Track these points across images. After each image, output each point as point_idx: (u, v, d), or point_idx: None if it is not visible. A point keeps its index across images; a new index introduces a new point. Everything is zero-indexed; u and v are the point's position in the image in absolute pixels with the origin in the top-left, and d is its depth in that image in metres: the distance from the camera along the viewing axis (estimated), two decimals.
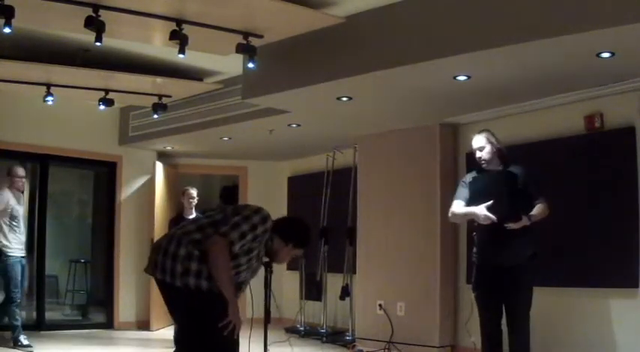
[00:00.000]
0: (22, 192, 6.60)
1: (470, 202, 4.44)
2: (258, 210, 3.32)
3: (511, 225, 4.26)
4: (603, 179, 5.13)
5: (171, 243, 3.22)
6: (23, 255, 6.43)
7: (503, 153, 4.51)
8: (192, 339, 3.24)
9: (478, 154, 4.51)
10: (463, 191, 4.55)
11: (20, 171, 6.54)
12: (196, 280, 3.15)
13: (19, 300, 6.27)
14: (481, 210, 4.31)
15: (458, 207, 4.53)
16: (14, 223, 6.33)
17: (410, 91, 5.43)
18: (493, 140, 4.49)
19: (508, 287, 4.33)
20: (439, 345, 6.25)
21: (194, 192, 6.62)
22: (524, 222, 4.27)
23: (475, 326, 4.76)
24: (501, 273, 4.34)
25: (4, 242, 6.23)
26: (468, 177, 4.59)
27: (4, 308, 6.26)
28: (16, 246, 6.31)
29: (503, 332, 4.42)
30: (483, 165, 4.51)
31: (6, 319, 6.26)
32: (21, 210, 6.47)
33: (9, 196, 6.36)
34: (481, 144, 4.50)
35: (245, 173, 9.30)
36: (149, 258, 3.32)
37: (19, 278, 6.29)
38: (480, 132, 4.58)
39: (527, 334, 4.31)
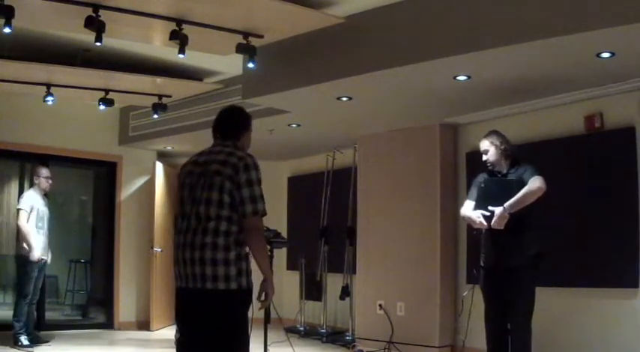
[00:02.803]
0: (46, 193, 6.56)
1: (479, 205, 4.46)
2: (248, 167, 3.25)
3: (494, 225, 4.29)
4: (603, 179, 5.12)
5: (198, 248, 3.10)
6: (44, 258, 6.36)
7: (509, 153, 4.52)
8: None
9: (484, 157, 4.56)
10: (473, 192, 4.59)
11: (45, 171, 6.54)
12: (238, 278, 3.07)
13: (29, 295, 6.22)
14: (476, 215, 4.38)
15: (466, 208, 4.59)
16: (39, 224, 6.31)
17: (410, 91, 5.43)
18: (497, 142, 4.51)
19: (508, 289, 4.32)
20: (439, 345, 6.25)
21: None
22: (500, 213, 4.27)
23: (472, 324, 4.76)
24: (502, 275, 4.34)
25: (29, 245, 6.16)
26: (480, 178, 4.60)
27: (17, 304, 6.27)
28: (39, 248, 6.24)
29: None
30: (489, 168, 4.55)
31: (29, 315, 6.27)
32: (46, 211, 6.44)
33: (35, 197, 6.35)
34: (485, 148, 4.56)
35: None
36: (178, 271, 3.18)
37: (34, 277, 6.25)
38: (485, 135, 4.61)
39: (527, 335, 4.30)
